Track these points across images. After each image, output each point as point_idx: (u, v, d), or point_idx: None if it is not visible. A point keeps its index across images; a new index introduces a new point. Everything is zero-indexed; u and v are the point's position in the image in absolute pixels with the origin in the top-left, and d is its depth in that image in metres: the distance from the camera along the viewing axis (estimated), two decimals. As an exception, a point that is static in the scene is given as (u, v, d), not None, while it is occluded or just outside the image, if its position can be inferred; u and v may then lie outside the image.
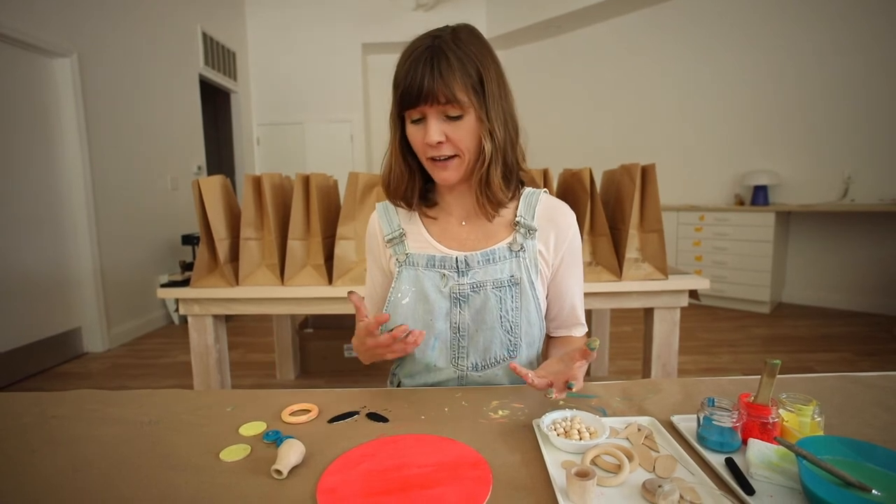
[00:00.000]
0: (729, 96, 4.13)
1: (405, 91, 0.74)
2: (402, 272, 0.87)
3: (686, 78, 4.37)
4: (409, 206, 0.88)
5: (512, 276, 0.84)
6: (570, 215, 0.89)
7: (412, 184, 0.86)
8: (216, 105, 5.36)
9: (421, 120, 0.77)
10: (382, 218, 0.91)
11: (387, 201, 0.93)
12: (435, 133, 0.75)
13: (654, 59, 4.56)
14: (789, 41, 3.79)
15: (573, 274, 0.90)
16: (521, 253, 0.85)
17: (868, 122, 3.53)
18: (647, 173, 1.61)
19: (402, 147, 0.83)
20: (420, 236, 0.89)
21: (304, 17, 5.43)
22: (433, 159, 0.79)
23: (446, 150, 0.77)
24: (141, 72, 3.68)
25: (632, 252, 1.64)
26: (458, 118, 0.75)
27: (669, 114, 4.51)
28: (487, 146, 0.78)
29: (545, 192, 0.90)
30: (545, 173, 1.65)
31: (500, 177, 0.81)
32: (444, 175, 0.80)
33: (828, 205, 3.54)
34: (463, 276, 0.84)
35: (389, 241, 0.89)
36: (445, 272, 0.85)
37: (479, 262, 0.84)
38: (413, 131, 0.78)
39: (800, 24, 3.73)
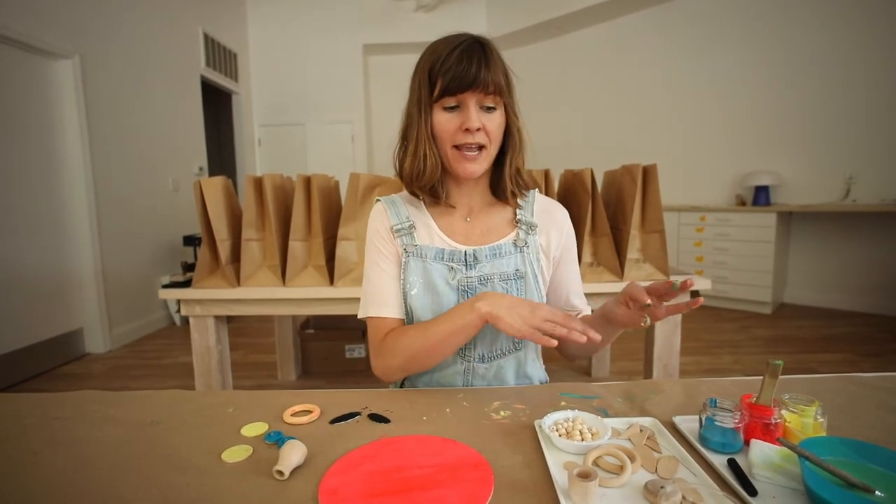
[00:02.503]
0: (730, 96, 4.13)
1: (457, 76, 0.76)
2: (410, 263, 0.87)
3: (687, 78, 4.37)
4: (437, 196, 0.87)
5: (517, 270, 0.87)
6: (565, 212, 0.96)
7: (438, 174, 0.85)
8: (217, 106, 5.37)
9: (455, 108, 0.80)
10: (390, 209, 0.90)
11: (393, 195, 0.94)
12: (475, 119, 0.78)
13: (654, 59, 4.55)
14: (790, 41, 3.79)
15: (569, 267, 0.96)
16: (525, 249, 0.88)
17: (869, 123, 3.52)
18: (648, 174, 1.61)
19: (431, 136, 0.82)
20: (430, 229, 0.89)
21: (306, 19, 5.43)
22: (461, 149, 0.81)
23: (480, 139, 0.80)
24: (142, 73, 3.69)
25: (633, 252, 1.64)
26: (492, 109, 0.80)
27: (670, 114, 4.51)
28: (523, 132, 0.86)
29: (537, 190, 0.96)
30: (546, 174, 1.65)
31: (522, 167, 0.89)
32: (473, 167, 0.82)
33: (829, 205, 3.54)
34: (471, 269, 0.87)
35: (398, 231, 0.88)
36: (454, 265, 0.87)
37: (486, 255, 0.87)
38: (446, 119, 0.80)
39: (800, 24, 3.73)
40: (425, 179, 0.84)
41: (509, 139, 0.85)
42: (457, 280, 0.86)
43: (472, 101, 0.78)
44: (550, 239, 0.91)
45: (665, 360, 1.68)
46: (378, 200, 0.93)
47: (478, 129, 0.79)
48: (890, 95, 3.43)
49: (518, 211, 0.91)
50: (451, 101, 0.79)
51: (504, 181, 0.88)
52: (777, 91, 3.88)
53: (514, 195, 0.89)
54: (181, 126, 4.18)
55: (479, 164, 0.82)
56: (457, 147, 0.81)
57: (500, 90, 0.79)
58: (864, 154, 3.57)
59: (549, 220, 0.92)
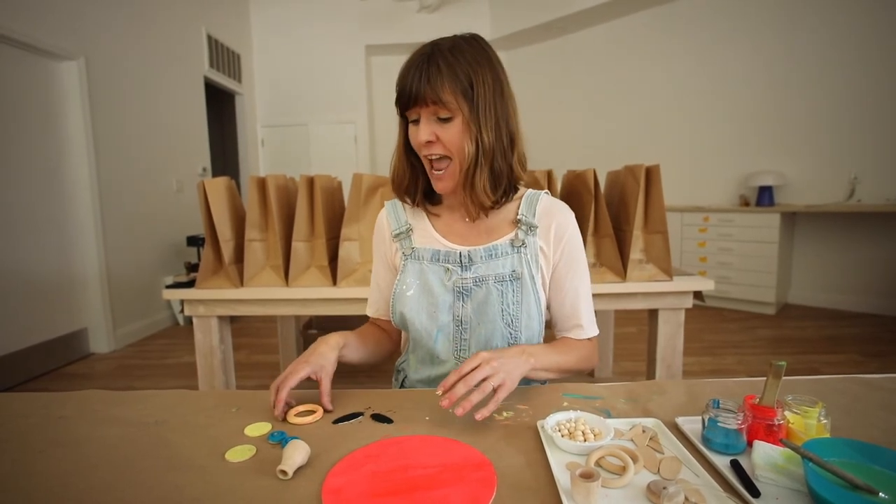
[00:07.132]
0: (733, 96, 4.12)
1: (399, 94, 0.80)
2: (408, 265, 0.90)
3: (690, 78, 4.36)
4: (413, 202, 0.92)
5: (513, 270, 0.87)
6: (569, 214, 0.91)
7: (414, 181, 0.90)
8: (221, 107, 5.38)
9: (417, 121, 0.81)
10: (391, 214, 0.95)
11: (395, 199, 0.97)
12: (424, 133, 0.80)
13: (658, 59, 4.55)
14: (794, 41, 3.77)
15: (572, 271, 0.90)
16: (522, 249, 0.87)
17: (874, 122, 3.50)
18: (651, 174, 1.60)
19: (406, 146, 0.87)
20: (426, 231, 0.92)
21: (309, 19, 5.44)
22: (431, 163, 0.83)
23: (437, 150, 0.81)
24: (146, 74, 3.71)
25: (636, 253, 1.63)
26: (447, 120, 0.80)
27: (674, 114, 4.49)
28: (470, 149, 0.80)
29: (546, 193, 0.93)
30: (549, 174, 1.65)
31: (486, 181, 0.82)
32: (441, 185, 0.85)
33: (834, 205, 3.52)
34: (466, 270, 0.87)
35: (396, 235, 0.93)
36: (449, 266, 0.88)
37: (481, 256, 0.87)
38: (411, 131, 0.83)
39: (804, 23, 3.72)
40: (397, 187, 0.91)
41: (476, 152, 0.79)
42: (452, 281, 0.87)
43: (424, 114, 0.80)
44: (550, 240, 0.88)
45: (668, 361, 1.67)
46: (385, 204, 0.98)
47: (429, 142, 0.80)
48: (894, 94, 3.41)
49: (519, 212, 0.89)
50: (412, 115, 0.81)
51: (477, 197, 0.82)
52: (780, 91, 3.87)
53: (467, 207, 0.85)
54: (185, 127, 4.20)
55: (447, 181, 0.83)
56: (429, 160, 0.84)
57: (440, 102, 0.76)
58: (868, 154, 3.55)
59: (552, 220, 0.88)
